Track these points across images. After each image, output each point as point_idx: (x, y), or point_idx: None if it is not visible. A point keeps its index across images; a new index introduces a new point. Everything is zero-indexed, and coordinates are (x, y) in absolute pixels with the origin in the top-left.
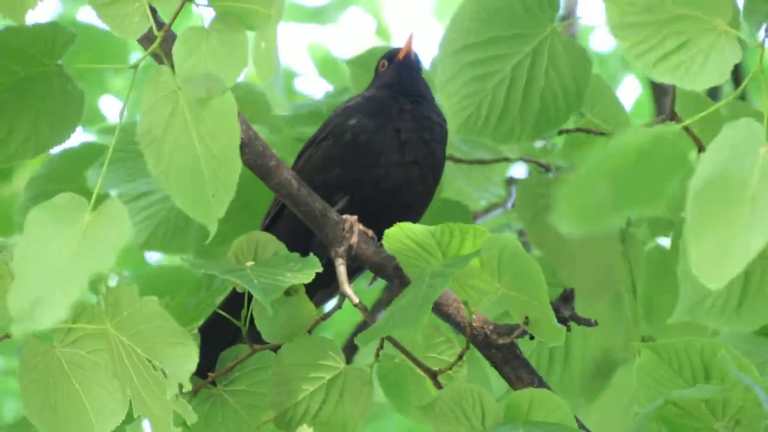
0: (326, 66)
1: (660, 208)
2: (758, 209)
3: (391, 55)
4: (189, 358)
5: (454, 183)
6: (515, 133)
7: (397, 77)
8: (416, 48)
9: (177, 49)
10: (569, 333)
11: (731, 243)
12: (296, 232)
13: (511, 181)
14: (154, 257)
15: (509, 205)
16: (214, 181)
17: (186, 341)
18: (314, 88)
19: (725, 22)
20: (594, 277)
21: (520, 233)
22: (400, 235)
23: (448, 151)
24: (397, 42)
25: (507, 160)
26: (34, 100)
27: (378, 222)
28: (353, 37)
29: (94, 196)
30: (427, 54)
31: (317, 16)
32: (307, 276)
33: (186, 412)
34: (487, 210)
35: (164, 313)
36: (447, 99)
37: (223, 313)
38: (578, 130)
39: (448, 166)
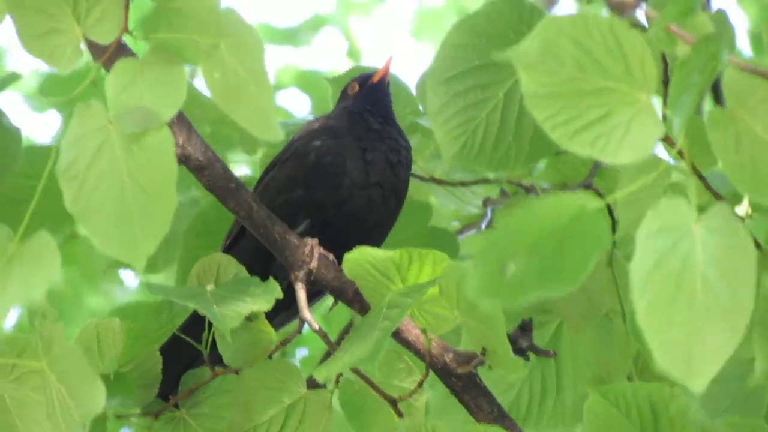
0: (304, 81)
1: (576, 286)
2: (711, 290)
3: (363, 78)
4: (95, 399)
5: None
6: (510, 159)
7: (369, 99)
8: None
9: (111, 82)
10: (559, 361)
11: (696, 337)
12: (257, 254)
13: (486, 202)
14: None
15: (483, 225)
16: (144, 217)
17: (94, 382)
18: (294, 103)
19: (648, 96)
20: (579, 303)
21: None
22: (360, 260)
23: (431, 172)
24: (369, 63)
25: (488, 181)
26: None
27: (340, 245)
28: (326, 59)
29: (21, 228)
30: (402, 74)
31: (290, 37)
32: (267, 303)
33: None
34: (461, 230)
35: (76, 350)
36: (439, 128)
37: (184, 336)
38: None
39: (433, 188)
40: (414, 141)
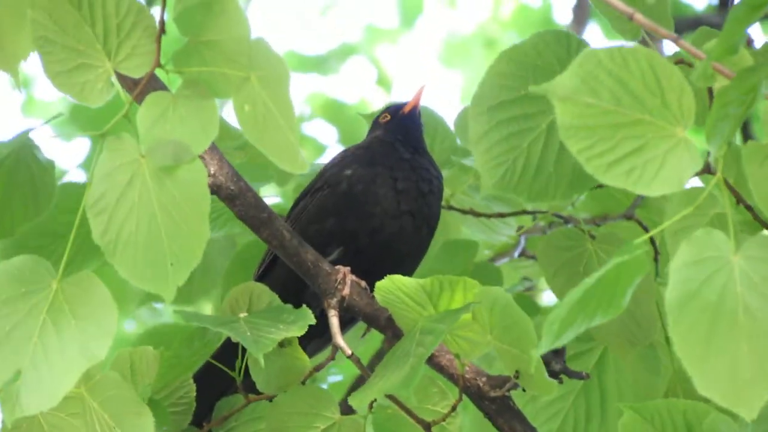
0: (331, 111)
1: (618, 314)
2: (755, 319)
3: (395, 109)
4: (144, 428)
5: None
6: (550, 190)
7: (401, 130)
8: (423, 103)
9: (142, 116)
10: (603, 387)
11: (740, 365)
12: (289, 282)
13: (521, 230)
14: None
15: (516, 254)
16: (175, 249)
17: (142, 412)
18: (321, 132)
19: (684, 130)
20: (627, 329)
21: (524, 279)
22: (391, 288)
23: (467, 205)
24: (399, 91)
25: (526, 212)
26: (3, 178)
27: (372, 273)
28: (353, 87)
29: (63, 262)
30: (433, 102)
31: (318, 65)
32: (300, 329)
33: None
34: (492, 259)
35: (123, 381)
36: (481, 155)
37: (217, 364)
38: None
39: (464, 218)
40: (451, 173)
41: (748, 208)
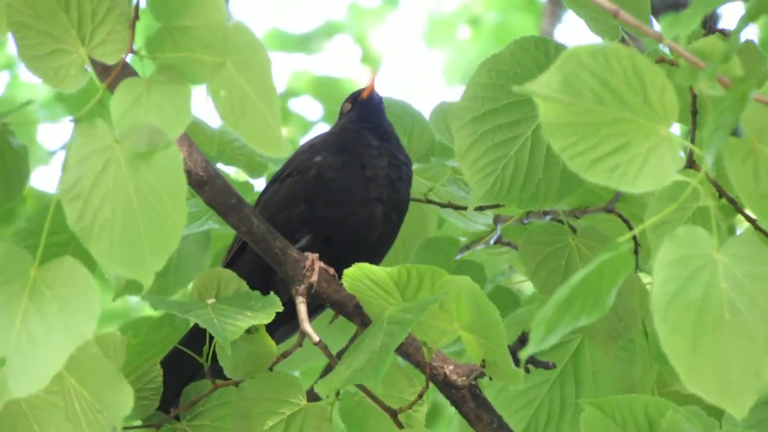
0: (317, 88)
1: (602, 315)
2: (740, 317)
3: (354, 96)
4: (124, 403)
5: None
6: (540, 196)
7: (364, 117)
8: (379, 88)
9: (115, 102)
10: (579, 379)
11: (728, 363)
12: (258, 269)
13: (497, 219)
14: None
15: (491, 241)
16: (152, 234)
17: (121, 386)
18: (307, 109)
19: (667, 128)
20: (607, 324)
21: (509, 268)
22: (359, 275)
23: (445, 198)
24: (386, 70)
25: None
26: None
27: (341, 260)
28: (339, 65)
29: (40, 248)
30: (418, 81)
31: (303, 44)
32: (268, 316)
33: None
34: (468, 246)
35: (102, 357)
36: (468, 168)
37: (185, 349)
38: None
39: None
40: (430, 167)
41: (731, 201)
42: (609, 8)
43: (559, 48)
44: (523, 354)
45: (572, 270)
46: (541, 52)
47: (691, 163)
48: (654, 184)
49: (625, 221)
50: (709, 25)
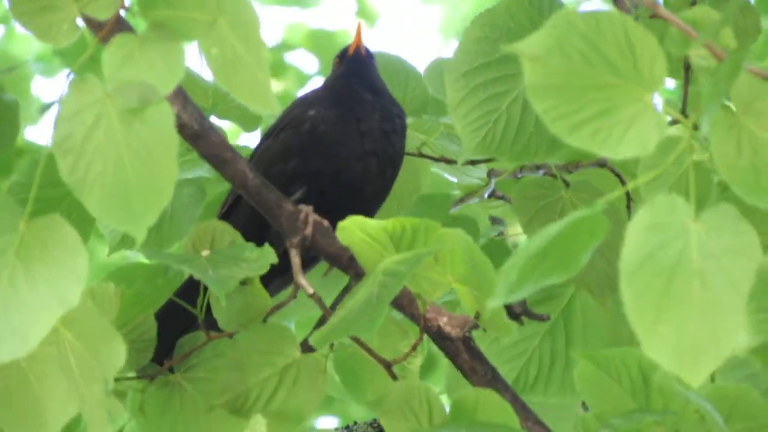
0: (313, 40)
1: (576, 272)
2: (709, 289)
3: (343, 52)
4: (117, 356)
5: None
6: (531, 150)
7: (354, 72)
8: (366, 42)
9: (107, 57)
10: (569, 331)
11: (690, 333)
12: (252, 221)
13: (491, 173)
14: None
15: (485, 194)
16: (144, 189)
17: (114, 339)
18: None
19: (653, 95)
20: (602, 274)
21: (494, 220)
22: (353, 228)
23: (438, 152)
24: (382, 25)
25: (496, 159)
26: None
27: (335, 213)
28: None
29: (30, 203)
30: (414, 36)
31: None
32: (262, 268)
33: (116, 410)
34: (462, 199)
35: (96, 311)
36: (460, 121)
37: (179, 301)
38: None
39: (433, 164)
40: (423, 122)
41: None
42: None
43: (554, 4)
44: (491, 303)
45: None
46: (535, 8)
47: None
48: (636, 151)
49: (618, 176)
50: None
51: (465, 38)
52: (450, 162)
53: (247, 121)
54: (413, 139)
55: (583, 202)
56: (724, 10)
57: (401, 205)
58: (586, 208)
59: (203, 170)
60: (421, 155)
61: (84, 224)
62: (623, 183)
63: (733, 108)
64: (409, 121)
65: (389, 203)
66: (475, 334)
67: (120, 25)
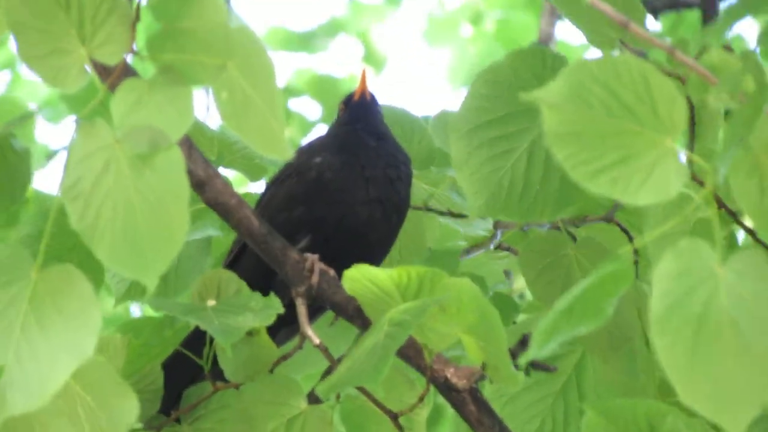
0: (318, 87)
1: (601, 324)
2: (741, 334)
3: (347, 99)
4: (129, 410)
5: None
6: (537, 208)
7: (359, 118)
8: (370, 88)
9: (116, 102)
10: (582, 390)
11: (726, 379)
12: (258, 270)
13: (497, 225)
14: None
15: (491, 246)
16: (154, 236)
17: (126, 393)
18: (308, 108)
19: (673, 141)
20: (606, 334)
21: (507, 274)
22: (359, 277)
23: (445, 205)
24: (390, 70)
25: None
26: None
27: (341, 261)
28: (342, 64)
29: (41, 252)
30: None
31: (306, 43)
32: (268, 318)
33: None
34: (468, 250)
35: (107, 364)
36: (465, 180)
37: (186, 352)
38: None
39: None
40: (429, 174)
41: (731, 213)
42: (618, 19)
43: (557, 58)
44: (523, 359)
45: (571, 280)
46: (538, 62)
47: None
48: (657, 197)
49: (625, 231)
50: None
51: (469, 94)
52: (456, 216)
53: (253, 171)
54: (420, 191)
55: (589, 260)
56: (745, 57)
57: (404, 260)
58: (615, 262)
59: (212, 229)
60: (428, 209)
61: (95, 274)
62: (630, 238)
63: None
64: (415, 173)
65: (392, 256)
66: (489, 395)
67: (127, 71)
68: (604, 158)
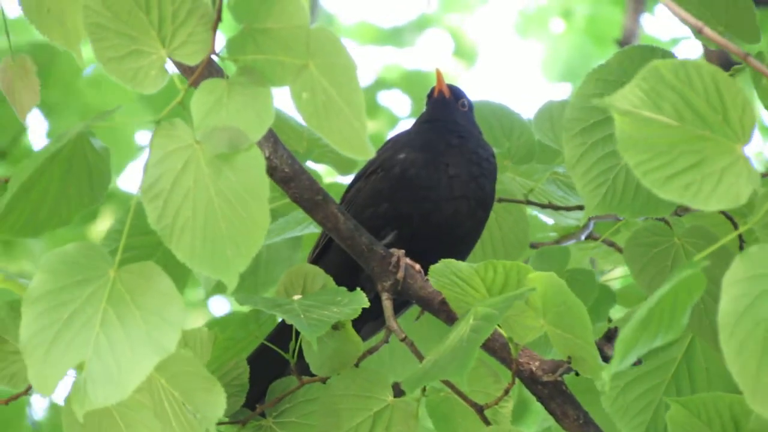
0: (407, 81)
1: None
2: None
3: (430, 93)
4: (217, 404)
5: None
6: (652, 205)
7: (440, 115)
8: (447, 84)
9: (196, 103)
10: (693, 376)
11: None
12: (344, 265)
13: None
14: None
15: (582, 236)
16: (234, 235)
17: (214, 388)
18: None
19: (743, 147)
20: (715, 323)
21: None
22: (445, 271)
23: (545, 198)
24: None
25: None
26: (61, 166)
27: (426, 256)
28: (431, 59)
29: (120, 250)
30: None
31: (394, 38)
32: (354, 312)
33: None
34: (558, 241)
35: (192, 358)
36: (580, 179)
37: (271, 346)
38: None
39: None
40: (530, 168)
41: None
42: (693, 23)
43: (667, 56)
44: (606, 374)
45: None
46: (647, 60)
47: None
48: (728, 203)
49: (729, 218)
50: None
51: (579, 94)
52: (557, 208)
53: (342, 164)
54: (521, 185)
55: (696, 248)
56: None
57: (509, 254)
58: (688, 268)
59: (311, 227)
60: (529, 202)
61: (181, 270)
62: (735, 225)
63: None
64: (516, 167)
65: (497, 251)
66: (599, 389)
67: (210, 70)
68: (676, 164)
